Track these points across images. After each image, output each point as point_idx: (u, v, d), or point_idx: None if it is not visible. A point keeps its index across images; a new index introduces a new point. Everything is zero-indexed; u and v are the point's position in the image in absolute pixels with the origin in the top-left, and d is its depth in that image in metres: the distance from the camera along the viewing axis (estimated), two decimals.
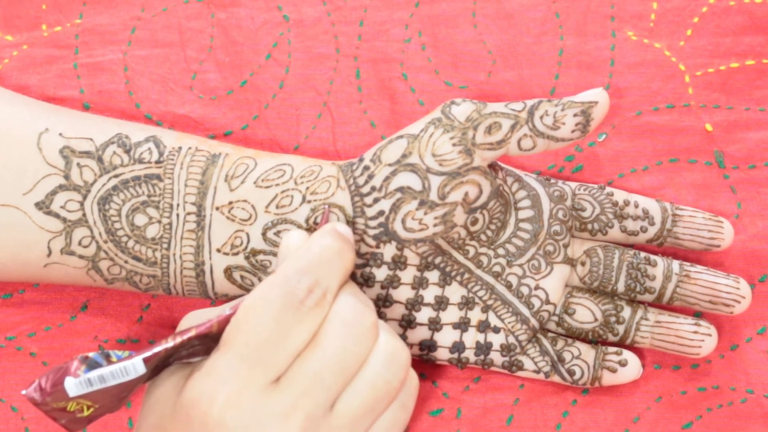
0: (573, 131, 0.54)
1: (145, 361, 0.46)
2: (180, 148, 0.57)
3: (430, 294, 0.57)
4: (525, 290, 0.58)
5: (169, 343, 0.47)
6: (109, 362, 0.46)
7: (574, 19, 0.67)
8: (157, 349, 0.47)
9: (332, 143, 0.65)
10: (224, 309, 0.49)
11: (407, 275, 0.56)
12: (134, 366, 0.46)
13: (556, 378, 0.59)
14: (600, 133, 0.65)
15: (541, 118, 0.54)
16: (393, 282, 0.56)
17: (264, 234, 0.56)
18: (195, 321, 0.49)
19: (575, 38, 0.67)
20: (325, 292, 0.48)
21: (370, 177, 0.55)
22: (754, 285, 0.62)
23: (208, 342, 0.48)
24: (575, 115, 0.54)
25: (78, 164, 0.56)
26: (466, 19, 0.67)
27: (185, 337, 0.47)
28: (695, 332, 0.59)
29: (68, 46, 0.67)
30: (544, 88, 0.66)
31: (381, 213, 0.54)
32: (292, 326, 0.47)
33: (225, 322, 0.48)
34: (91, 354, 0.46)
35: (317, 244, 0.49)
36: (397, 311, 0.57)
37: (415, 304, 0.57)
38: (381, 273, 0.56)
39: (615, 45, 0.66)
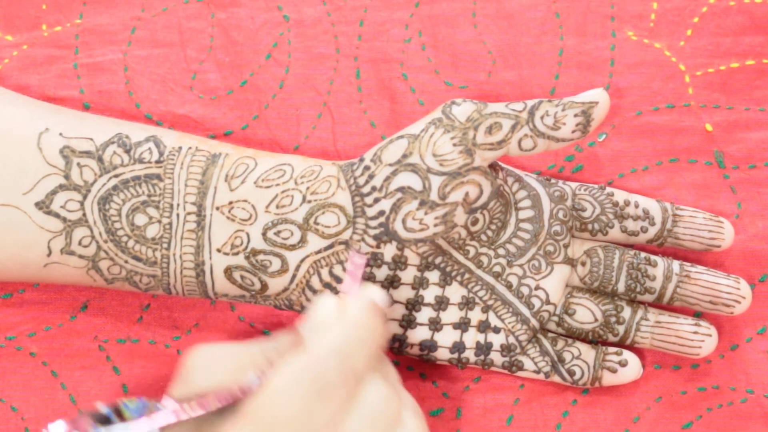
0: (573, 131, 0.54)
1: (162, 430, 0.45)
2: (180, 147, 0.57)
3: (430, 294, 0.57)
4: (525, 290, 0.58)
5: (190, 413, 0.46)
6: (121, 418, 0.45)
7: (574, 19, 0.67)
8: (175, 419, 0.45)
9: (332, 143, 0.65)
10: (250, 376, 0.47)
11: (407, 275, 0.57)
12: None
13: (556, 378, 0.59)
14: (600, 133, 0.65)
15: (542, 118, 0.54)
16: (393, 282, 0.56)
17: (264, 234, 0.56)
18: (203, 365, 0.49)
19: (575, 38, 0.67)
20: (355, 375, 0.47)
21: (371, 177, 0.55)
22: (755, 285, 0.62)
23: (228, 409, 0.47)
24: (576, 115, 0.54)
25: (78, 164, 0.56)
26: (466, 19, 0.67)
27: (207, 410, 0.46)
28: (695, 332, 0.59)
29: (68, 46, 0.67)
30: (544, 88, 0.66)
31: (381, 213, 0.55)
32: (319, 410, 0.46)
33: (248, 393, 0.46)
34: (101, 409, 0.46)
35: (355, 324, 0.49)
36: (397, 311, 0.57)
37: (415, 304, 0.57)
38: (381, 273, 0.56)
39: (615, 45, 0.66)
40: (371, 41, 0.67)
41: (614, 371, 0.59)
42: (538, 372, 0.59)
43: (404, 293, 0.57)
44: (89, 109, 0.65)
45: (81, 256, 0.56)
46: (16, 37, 0.67)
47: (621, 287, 0.59)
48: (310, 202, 0.56)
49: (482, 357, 0.58)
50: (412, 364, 0.61)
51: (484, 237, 0.58)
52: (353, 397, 0.47)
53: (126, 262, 0.56)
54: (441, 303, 0.58)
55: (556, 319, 0.60)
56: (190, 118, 0.65)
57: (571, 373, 0.59)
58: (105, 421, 0.45)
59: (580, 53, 0.66)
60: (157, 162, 0.56)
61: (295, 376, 0.46)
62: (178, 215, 0.56)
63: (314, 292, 0.56)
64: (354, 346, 0.48)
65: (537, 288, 0.59)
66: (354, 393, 0.47)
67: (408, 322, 0.57)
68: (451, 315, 0.58)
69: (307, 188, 0.56)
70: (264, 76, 0.66)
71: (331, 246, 0.55)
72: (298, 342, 0.50)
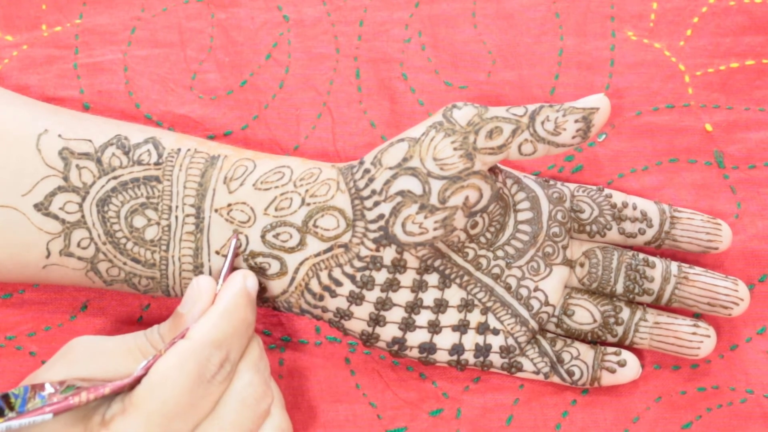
0: (574, 137, 0.54)
1: (55, 413, 0.46)
2: (179, 149, 0.57)
3: (429, 297, 0.57)
4: (524, 292, 0.58)
5: (83, 398, 0.47)
6: (8, 403, 0.46)
7: (574, 19, 0.67)
8: (67, 403, 0.47)
9: (332, 143, 0.65)
10: (137, 368, 0.50)
11: (407, 278, 0.57)
12: (44, 419, 0.46)
13: (555, 379, 0.59)
14: (600, 134, 0.65)
15: (543, 123, 0.54)
16: (392, 285, 0.56)
17: (263, 236, 0.56)
18: (88, 350, 0.50)
19: (575, 38, 0.67)
20: (232, 365, 0.51)
21: (371, 180, 0.55)
22: (754, 285, 0.62)
23: (115, 395, 0.49)
24: (576, 121, 0.54)
25: (77, 166, 0.56)
26: (466, 19, 0.67)
27: (99, 393, 0.47)
28: (694, 333, 0.59)
29: (68, 46, 0.67)
30: (544, 88, 0.66)
31: (381, 216, 0.54)
32: (200, 398, 0.49)
33: (137, 381, 0.49)
34: None
35: (234, 316, 0.51)
36: (396, 314, 0.57)
37: (414, 307, 0.57)
38: (380, 276, 0.56)
39: (615, 45, 0.66)
40: (371, 41, 0.67)
41: (613, 371, 0.59)
42: (537, 373, 0.59)
43: (403, 296, 0.57)
44: (89, 110, 0.65)
45: (80, 258, 0.56)
46: (16, 37, 0.67)
47: (619, 288, 0.59)
48: (309, 204, 0.56)
49: (481, 359, 0.58)
50: (412, 364, 0.61)
51: (483, 239, 0.58)
52: (229, 387, 0.51)
53: (125, 263, 0.56)
54: (440, 306, 0.58)
55: (555, 320, 0.60)
56: (190, 118, 0.65)
57: (570, 374, 0.59)
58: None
59: (580, 53, 0.66)
60: (155, 164, 0.56)
61: (179, 362, 0.49)
62: (176, 217, 0.56)
63: (313, 294, 0.56)
64: (231, 338, 0.51)
65: (536, 289, 0.59)
66: (228, 382, 0.51)
67: (407, 325, 0.57)
68: (450, 317, 0.58)
69: (307, 191, 0.56)
70: (264, 76, 0.66)
71: (330, 249, 0.55)
72: (178, 323, 0.52)
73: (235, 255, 0.56)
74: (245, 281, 0.53)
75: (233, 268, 0.56)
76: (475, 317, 0.58)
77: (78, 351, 0.50)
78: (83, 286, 0.59)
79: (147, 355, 0.51)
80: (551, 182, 0.61)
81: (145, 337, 0.52)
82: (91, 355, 0.50)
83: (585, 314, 0.59)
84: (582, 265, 0.60)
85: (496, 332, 0.58)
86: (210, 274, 0.56)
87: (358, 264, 0.55)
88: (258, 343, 0.54)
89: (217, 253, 0.56)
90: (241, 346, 0.52)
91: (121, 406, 0.48)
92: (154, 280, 0.57)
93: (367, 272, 0.56)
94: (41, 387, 0.47)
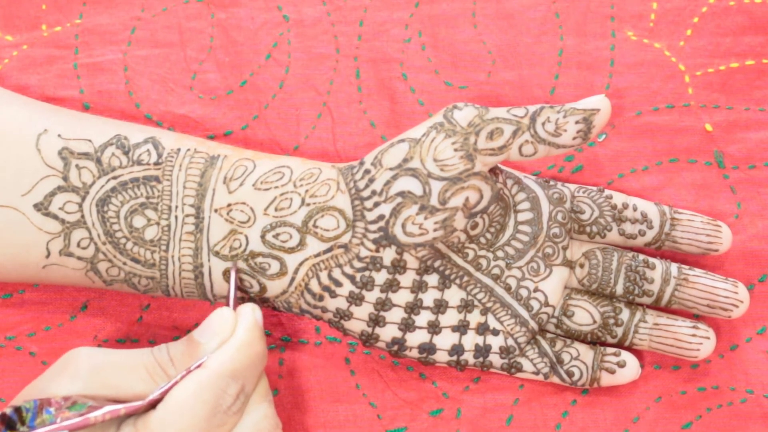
0: (574, 138, 0.54)
1: (71, 431, 0.46)
2: (179, 149, 0.57)
3: (429, 297, 0.57)
4: (524, 292, 0.58)
5: (99, 416, 0.47)
6: (21, 419, 0.46)
7: (574, 19, 0.67)
8: (83, 422, 0.47)
9: (332, 143, 0.65)
10: (152, 391, 0.50)
11: (406, 279, 0.56)
12: None
13: (555, 379, 0.59)
14: (600, 134, 0.65)
15: (543, 124, 0.54)
16: (392, 286, 0.56)
17: (263, 236, 0.56)
18: (92, 364, 0.50)
19: (575, 38, 0.67)
20: (246, 396, 0.51)
21: (371, 181, 0.55)
22: (754, 285, 0.62)
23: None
24: (577, 122, 0.54)
25: (77, 166, 0.56)
26: (466, 19, 0.67)
27: (115, 414, 0.47)
28: (693, 335, 0.59)
29: (68, 46, 0.67)
30: (544, 88, 0.66)
31: (381, 217, 0.54)
32: (215, 428, 0.49)
33: (152, 405, 0.49)
34: (6, 411, 0.47)
35: (250, 349, 0.52)
36: (396, 315, 0.57)
37: (414, 307, 0.57)
38: (380, 277, 0.56)
39: (615, 45, 0.66)
40: (371, 41, 0.67)
41: (612, 372, 0.59)
42: (537, 373, 0.59)
43: (403, 297, 0.57)
44: (89, 109, 0.65)
45: (80, 258, 0.56)
46: (16, 37, 0.67)
47: (619, 289, 0.59)
48: (309, 205, 0.56)
49: (481, 359, 0.58)
50: (412, 364, 0.61)
51: (483, 239, 0.58)
52: (240, 417, 0.51)
53: (124, 263, 0.56)
54: (440, 306, 0.58)
55: (554, 320, 0.60)
56: (190, 118, 0.65)
57: (570, 374, 0.59)
58: (11, 424, 0.47)
59: (580, 53, 0.66)
60: (155, 164, 0.56)
61: (196, 392, 0.49)
62: (176, 217, 0.56)
63: (313, 295, 0.56)
64: (246, 367, 0.51)
65: (536, 290, 0.59)
66: (242, 414, 0.51)
67: (407, 326, 0.57)
68: (450, 318, 0.58)
69: (306, 191, 0.56)
70: (264, 76, 0.66)
71: (330, 249, 0.55)
72: (192, 350, 0.52)
73: (237, 288, 0.56)
74: (254, 314, 0.53)
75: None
76: (474, 318, 0.58)
77: (80, 364, 0.50)
78: (83, 286, 0.59)
79: (153, 374, 0.51)
80: (551, 183, 0.61)
81: (152, 355, 0.52)
82: (94, 369, 0.50)
83: (585, 315, 0.59)
84: (582, 266, 0.60)
85: (495, 333, 0.58)
86: (209, 274, 0.56)
87: (357, 264, 0.55)
88: (264, 374, 0.54)
89: (217, 253, 0.56)
90: (255, 379, 0.52)
91: (133, 430, 0.48)
92: (153, 280, 0.57)
93: (366, 273, 0.56)
94: (48, 402, 0.47)
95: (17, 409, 0.47)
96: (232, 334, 0.52)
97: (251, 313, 0.53)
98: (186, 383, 0.49)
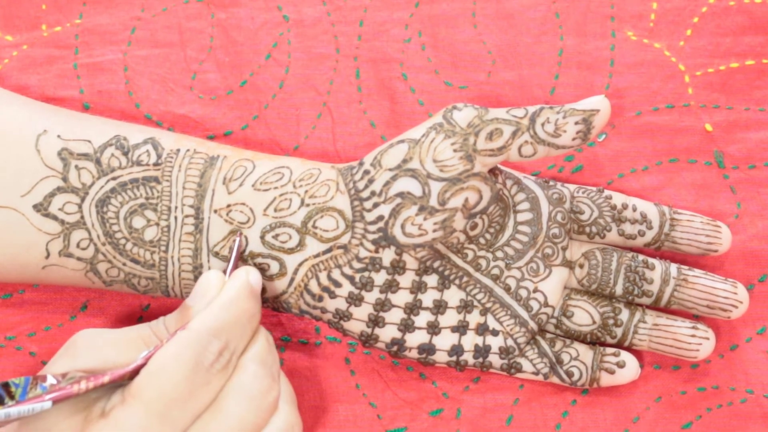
0: (574, 139, 0.54)
1: (54, 401, 0.46)
2: (178, 150, 0.57)
3: (428, 298, 0.57)
4: (524, 293, 0.58)
5: (82, 386, 0.47)
6: (8, 392, 0.46)
7: (574, 19, 0.67)
8: (67, 391, 0.47)
9: (332, 143, 0.65)
10: (137, 358, 0.50)
11: (406, 280, 0.56)
12: (42, 407, 0.46)
13: (554, 379, 0.59)
14: (600, 134, 0.65)
15: (543, 125, 0.54)
16: (392, 286, 0.56)
17: (262, 237, 0.56)
18: (90, 342, 0.50)
19: (575, 38, 0.67)
20: (231, 355, 0.50)
21: (370, 181, 0.55)
22: (754, 285, 0.62)
23: (116, 385, 0.49)
24: (576, 122, 0.54)
25: (76, 166, 0.56)
26: (466, 19, 0.67)
27: (99, 382, 0.47)
28: (693, 335, 0.59)
29: (68, 46, 0.67)
30: (544, 88, 0.66)
31: (380, 218, 0.54)
32: (199, 387, 0.48)
33: (137, 371, 0.48)
34: None
35: (234, 306, 0.51)
36: (395, 315, 0.57)
37: (413, 308, 0.57)
38: (380, 277, 0.56)
39: (615, 45, 0.66)
40: (371, 41, 0.67)
41: (612, 372, 0.59)
42: (536, 373, 0.59)
43: (402, 297, 0.57)
44: (89, 110, 0.65)
45: (79, 259, 0.56)
46: (16, 37, 0.67)
47: (619, 290, 0.59)
48: (308, 205, 0.56)
49: (481, 360, 0.58)
50: (412, 364, 0.61)
51: (482, 240, 0.58)
52: (230, 376, 0.50)
53: (124, 264, 0.56)
54: (439, 307, 0.58)
55: (554, 321, 0.60)
56: (190, 118, 0.65)
57: (570, 375, 0.59)
58: None
59: (580, 53, 0.66)
60: (155, 164, 0.56)
61: (176, 351, 0.48)
62: (176, 218, 0.56)
63: (312, 295, 0.56)
64: (231, 327, 0.50)
65: (535, 290, 0.59)
66: (231, 372, 0.50)
67: (406, 326, 0.57)
68: (450, 318, 0.58)
69: (306, 192, 0.56)
70: (264, 76, 0.66)
71: (329, 250, 0.55)
72: (185, 316, 0.52)
73: (240, 253, 0.56)
74: (248, 276, 0.53)
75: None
76: (474, 318, 0.58)
77: (80, 344, 0.50)
78: (83, 287, 0.59)
79: (150, 346, 0.51)
80: (551, 183, 0.61)
81: (150, 328, 0.52)
82: (93, 347, 0.50)
83: (584, 315, 0.59)
84: (581, 266, 0.60)
85: (495, 333, 0.58)
86: None
87: (357, 265, 0.55)
88: (266, 337, 0.53)
89: (217, 254, 0.56)
90: (242, 337, 0.51)
91: (120, 397, 0.48)
92: (153, 280, 0.57)
93: (366, 273, 0.56)
94: (43, 378, 0.47)
95: (5, 385, 0.46)
96: (218, 294, 0.52)
97: (244, 274, 0.53)
98: (167, 345, 0.49)
